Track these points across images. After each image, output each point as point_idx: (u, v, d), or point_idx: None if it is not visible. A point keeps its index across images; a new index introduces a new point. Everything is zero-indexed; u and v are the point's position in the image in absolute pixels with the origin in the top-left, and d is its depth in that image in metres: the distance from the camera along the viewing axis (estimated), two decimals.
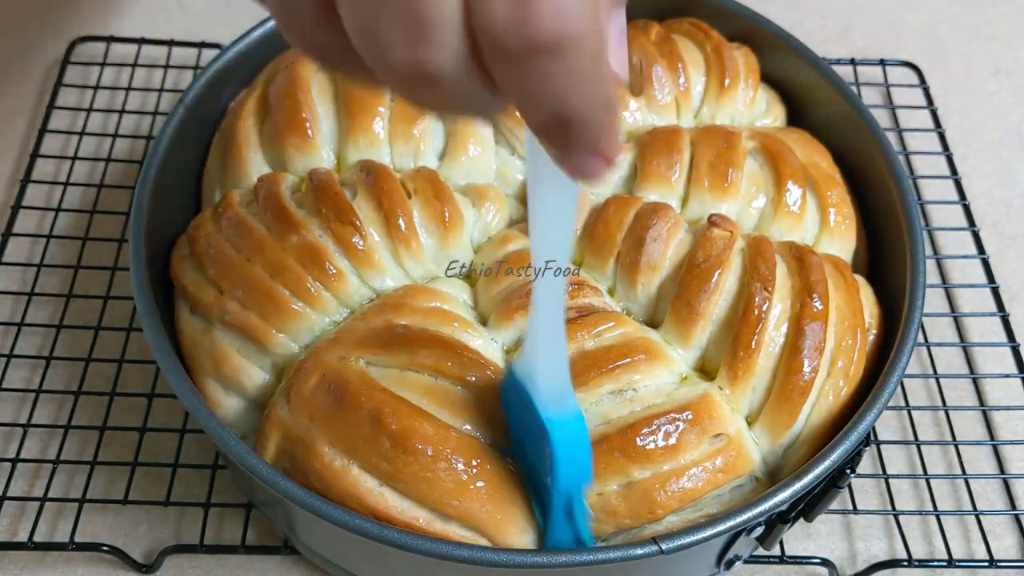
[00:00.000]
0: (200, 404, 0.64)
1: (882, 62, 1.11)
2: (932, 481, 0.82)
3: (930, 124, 1.06)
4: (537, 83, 0.35)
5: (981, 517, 0.80)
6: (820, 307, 0.68)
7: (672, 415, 0.64)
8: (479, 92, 0.37)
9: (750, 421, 0.68)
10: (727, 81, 0.84)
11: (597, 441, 0.63)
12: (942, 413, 0.86)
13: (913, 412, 0.86)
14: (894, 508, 0.81)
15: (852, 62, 1.10)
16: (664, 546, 0.58)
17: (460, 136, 0.79)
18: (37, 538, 0.75)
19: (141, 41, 1.08)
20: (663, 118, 0.83)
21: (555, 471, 0.57)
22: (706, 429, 0.64)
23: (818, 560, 0.77)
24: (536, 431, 0.58)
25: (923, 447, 0.84)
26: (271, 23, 0.86)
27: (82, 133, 1.01)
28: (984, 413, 0.87)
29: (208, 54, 1.08)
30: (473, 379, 0.64)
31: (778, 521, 0.65)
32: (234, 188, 0.78)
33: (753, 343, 0.67)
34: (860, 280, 0.76)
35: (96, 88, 1.05)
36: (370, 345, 0.65)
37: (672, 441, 0.63)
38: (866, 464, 0.82)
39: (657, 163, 0.77)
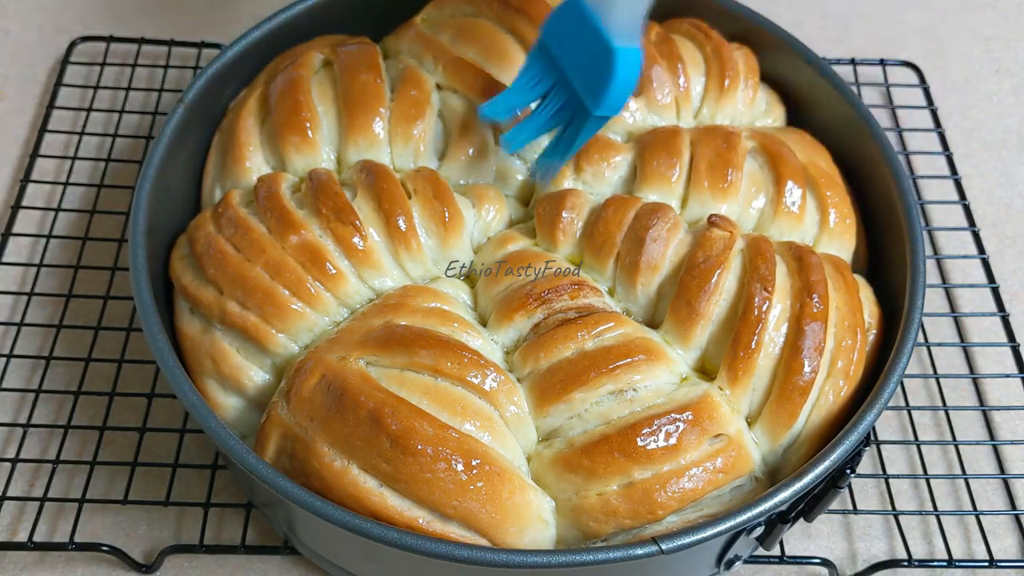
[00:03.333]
0: (200, 404, 0.64)
1: (882, 62, 1.11)
2: (932, 481, 0.82)
3: (930, 124, 1.06)
4: None
5: (981, 517, 0.80)
6: (820, 307, 0.68)
7: (672, 415, 0.64)
8: None
9: (750, 421, 0.68)
10: (727, 81, 0.84)
11: (597, 441, 0.63)
12: (942, 413, 0.86)
13: (913, 412, 0.86)
14: (894, 508, 0.81)
15: (852, 62, 1.10)
16: (664, 546, 0.58)
17: (460, 136, 0.79)
18: (37, 538, 0.75)
19: (141, 41, 1.08)
20: (663, 118, 0.83)
21: (607, 93, 0.68)
22: (706, 429, 0.64)
23: (818, 560, 0.77)
24: (589, 59, 0.68)
25: (923, 447, 0.84)
26: (271, 23, 0.86)
27: (82, 133, 1.01)
28: (984, 413, 0.87)
29: (208, 54, 1.08)
30: (473, 379, 0.64)
31: (778, 521, 0.65)
32: (234, 188, 0.78)
33: (753, 343, 0.67)
34: (860, 280, 0.76)
35: (96, 88, 1.05)
36: (370, 345, 0.65)
37: (672, 441, 0.63)
38: (866, 464, 0.82)
39: (657, 163, 0.77)
